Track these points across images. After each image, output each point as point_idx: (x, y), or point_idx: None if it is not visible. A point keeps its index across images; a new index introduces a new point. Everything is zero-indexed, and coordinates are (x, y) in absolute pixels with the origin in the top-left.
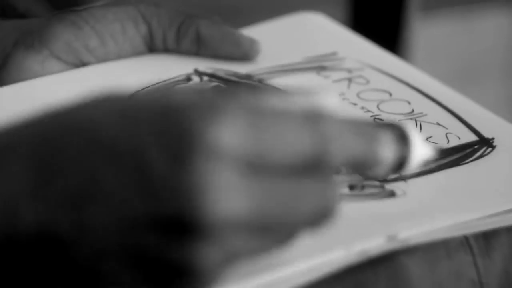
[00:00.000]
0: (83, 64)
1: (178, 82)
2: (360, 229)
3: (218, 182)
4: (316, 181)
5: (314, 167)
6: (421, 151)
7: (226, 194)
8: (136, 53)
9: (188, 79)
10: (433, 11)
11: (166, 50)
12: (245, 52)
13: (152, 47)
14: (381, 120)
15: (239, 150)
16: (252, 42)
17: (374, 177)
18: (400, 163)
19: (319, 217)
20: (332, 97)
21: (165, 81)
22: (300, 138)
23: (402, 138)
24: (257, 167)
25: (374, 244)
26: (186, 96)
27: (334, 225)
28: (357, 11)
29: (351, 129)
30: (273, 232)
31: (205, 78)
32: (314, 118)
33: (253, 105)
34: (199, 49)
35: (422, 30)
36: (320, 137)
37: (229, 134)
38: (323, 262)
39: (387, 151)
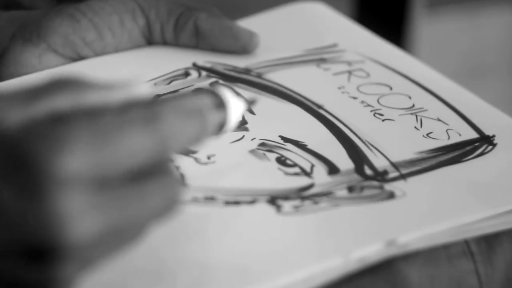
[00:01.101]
0: (80, 57)
1: (176, 76)
2: (359, 233)
3: (70, 209)
4: (160, 178)
5: (156, 164)
6: (236, 108)
7: (79, 218)
8: (134, 46)
9: (186, 73)
10: (438, 8)
11: (165, 42)
12: (244, 45)
13: (150, 40)
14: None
15: (84, 172)
16: (251, 35)
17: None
18: (222, 125)
19: (166, 210)
20: (144, 86)
21: (163, 75)
22: (141, 143)
23: (220, 101)
24: (105, 181)
25: (372, 250)
26: (24, 126)
27: (333, 231)
28: (362, 9)
29: (183, 115)
30: (124, 234)
31: (204, 72)
32: (151, 116)
33: (91, 118)
34: (197, 42)
35: (428, 27)
36: (159, 137)
37: (71, 160)
38: (321, 270)
39: (212, 121)
